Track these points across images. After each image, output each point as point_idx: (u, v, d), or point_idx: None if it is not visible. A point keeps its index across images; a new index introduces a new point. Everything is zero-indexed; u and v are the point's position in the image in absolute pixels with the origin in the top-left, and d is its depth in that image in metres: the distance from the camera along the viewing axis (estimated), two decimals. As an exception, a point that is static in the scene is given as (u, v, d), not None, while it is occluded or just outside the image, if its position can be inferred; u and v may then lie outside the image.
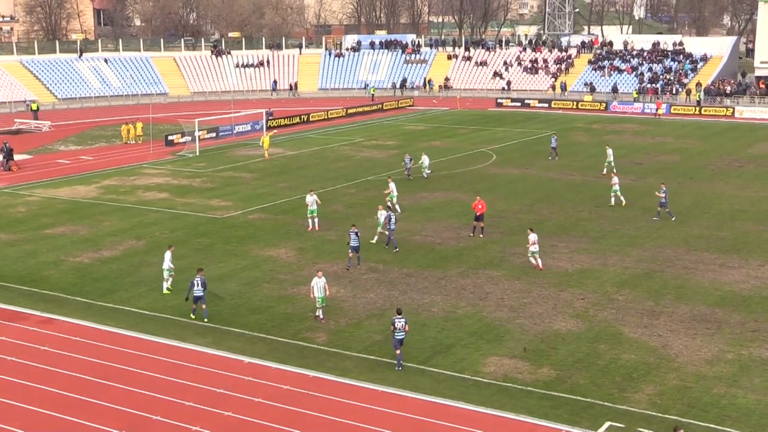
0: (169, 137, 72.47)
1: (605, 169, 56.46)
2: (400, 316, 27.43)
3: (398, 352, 27.28)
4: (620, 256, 38.92)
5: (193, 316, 31.51)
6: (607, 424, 23.32)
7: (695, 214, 46.82)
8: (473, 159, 64.83)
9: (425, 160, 56.41)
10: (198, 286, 31.10)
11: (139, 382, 26.13)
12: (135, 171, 60.92)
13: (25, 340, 29.53)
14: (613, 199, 48.31)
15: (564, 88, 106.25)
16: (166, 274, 34.40)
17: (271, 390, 25.54)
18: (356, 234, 36.73)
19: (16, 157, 63.02)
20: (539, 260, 36.91)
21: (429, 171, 56.50)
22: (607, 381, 26.00)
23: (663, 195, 44.99)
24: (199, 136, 70.65)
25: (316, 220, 43.45)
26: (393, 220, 40.17)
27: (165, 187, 54.96)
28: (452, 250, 39.89)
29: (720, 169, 60.61)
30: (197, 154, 67.79)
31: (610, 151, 57.95)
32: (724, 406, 24.24)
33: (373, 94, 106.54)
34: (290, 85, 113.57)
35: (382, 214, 40.42)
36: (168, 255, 34.31)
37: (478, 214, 41.97)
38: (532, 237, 36.87)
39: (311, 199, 43.33)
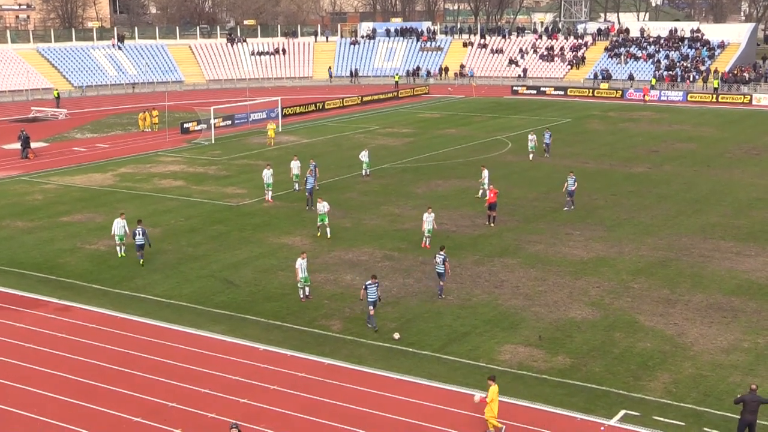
0: (185, 125, 72.67)
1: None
2: (441, 252, 31.65)
3: (441, 283, 31.81)
4: (636, 244, 38.79)
5: (141, 261, 35.97)
6: (622, 412, 23.31)
7: (712, 202, 46.59)
8: (488, 147, 64.67)
9: (364, 155, 53.96)
10: (140, 235, 35.69)
11: (155, 369, 26.28)
12: (151, 159, 61.11)
13: (43, 327, 29.74)
14: (480, 192, 47.13)
15: (605, 76, 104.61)
16: (117, 239, 36.99)
17: (287, 377, 25.63)
18: (376, 285, 29.29)
19: (33, 144, 63.32)
20: (428, 240, 38.58)
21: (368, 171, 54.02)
22: (622, 369, 25.96)
23: (570, 184, 44.45)
24: (214, 124, 70.80)
25: (270, 193, 47.57)
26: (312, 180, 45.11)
27: (180, 175, 55.11)
28: (467, 238, 39.85)
29: (737, 156, 60.24)
30: (213, 141, 67.90)
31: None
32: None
33: (397, 81, 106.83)
34: (351, 72, 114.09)
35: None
36: (120, 222, 37.03)
37: (489, 203, 41.88)
38: (428, 216, 38.65)
39: (267, 173, 47.39)
